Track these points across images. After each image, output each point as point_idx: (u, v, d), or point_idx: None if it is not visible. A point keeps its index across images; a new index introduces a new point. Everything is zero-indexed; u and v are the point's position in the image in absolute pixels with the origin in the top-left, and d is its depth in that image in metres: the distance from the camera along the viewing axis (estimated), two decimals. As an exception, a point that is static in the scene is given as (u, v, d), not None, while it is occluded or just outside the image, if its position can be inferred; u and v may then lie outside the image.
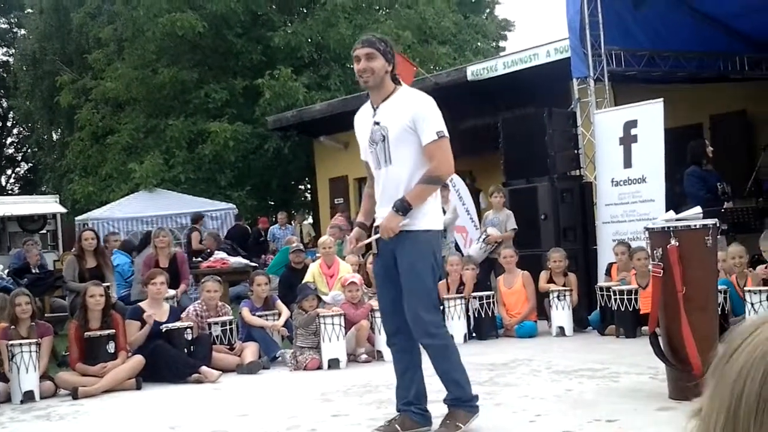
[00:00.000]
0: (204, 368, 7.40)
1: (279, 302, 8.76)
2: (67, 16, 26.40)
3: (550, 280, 9.07)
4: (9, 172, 40.59)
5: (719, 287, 6.58)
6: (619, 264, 8.97)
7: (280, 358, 8.11)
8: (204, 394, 6.81)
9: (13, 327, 7.13)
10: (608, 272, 9.17)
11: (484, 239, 10.00)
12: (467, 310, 8.86)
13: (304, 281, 9.02)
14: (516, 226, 9.91)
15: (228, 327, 8.20)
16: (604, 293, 8.60)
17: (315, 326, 7.80)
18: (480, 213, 12.64)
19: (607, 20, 10.26)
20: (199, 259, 12.62)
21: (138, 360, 7.35)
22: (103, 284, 7.99)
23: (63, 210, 20.40)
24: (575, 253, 9.78)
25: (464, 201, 12.49)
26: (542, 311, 9.07)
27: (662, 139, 9.35)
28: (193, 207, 17.25)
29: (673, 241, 5.24)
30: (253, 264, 12.24)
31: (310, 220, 22.20)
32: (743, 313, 7.45)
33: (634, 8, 10.71)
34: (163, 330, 7.63)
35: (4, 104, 37.95)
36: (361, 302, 8.19)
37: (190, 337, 7.71)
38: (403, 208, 4.57)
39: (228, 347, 8.08)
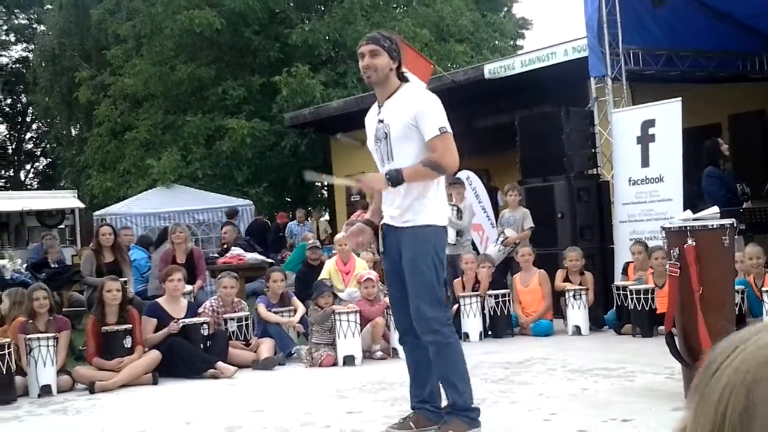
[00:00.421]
0: (220, 364, 7.44)
1: (294, 298, 8.78)
2: (86, 13, 26.55)
3: (567, 279, 9.05)
4: (28, 167, 40.92)
5: (736, 287, 6.55)
6: (636, 263, 8.93)
7: (295, 354, 8.13)
8: (219, 390, 6.84)
9: (31, 321, 7.18)
10: (625, 271, 9.14)
11: (502, 241, 9.98)
12: (483, 308, 8.86)
13: (320, 278, 9.03)
14: (533, 225, 9.88)
15: (244, 323, 8.22)
16: (621, 292, 8.57)
17: (330, 323, 7.82)
18: (497, 211, 12.64)
19: (625, 19, 10.23)
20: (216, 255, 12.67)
21: (154, 355, 7.38)
22: (121, 279, 8.04)
23: (81, 205, 20.52)
24: (592, 252, 9.76)
25: (480, 199, 12.49)
26: (558, 310, 9.05)
27: (680, 139, 9.32)
28: (211, 203, 17.30)
29: (690, 241, 5.22)
30: (270, 260, 12.26)
31: (327, 217, 22.23)
32: (761, 314, 7.42)
33: (652, 7, 10.68)
34: (180, 325, 7.67)
35: (24, 100, 38.22)
36: (376, 299, 8.20)
37: (206, 333, 7.75)
38: (395, 178, 4.50)
39: (244, 343, 8.11)
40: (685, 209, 7.05)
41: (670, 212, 8.76)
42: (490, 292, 8.92)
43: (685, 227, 5.34)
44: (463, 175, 12.55)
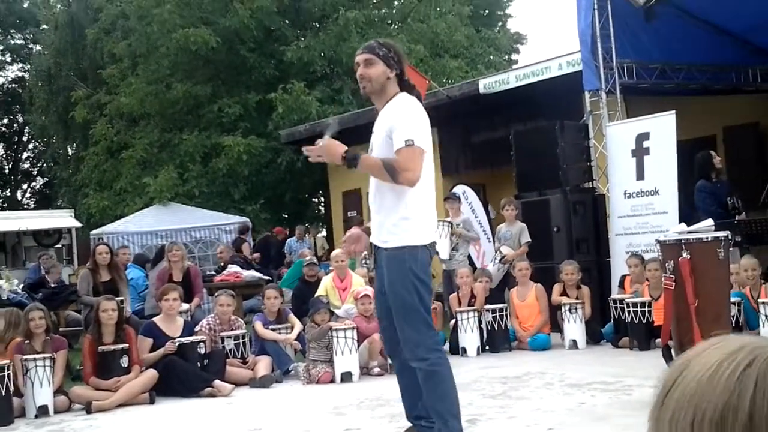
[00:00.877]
0: (217, 382, 7.42)
1: (291, 315, 8.77)
2: (82, 32, 26.60)
3: (563, 293, 9.06)
4: (25, 186, 40.86)
5: (733, 300, 6.56)
6: (633, 276, 8.94)
7: (292, 371, 8.12)
8: (217, 408, 6.82)
9: (27, 342, 7.17)
10: (621, 284, 9.15)
11: (500, 260, 9.98)
12: (480, 323, 8.86)
13: (316, 294, 9.03)
14: (530, 239, 9.87)
15: (241, 341, 8.21)
16: (618, 305, 8.58)
17: (327, 340, 7.81)
18: (490, 224, 12.65)
19: (619, 33, 10.27)
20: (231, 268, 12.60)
21: (151, 374, 7.37)
22: (117, 298, 8.02)
23: (78, 224, 20.49)
24: (588, 265, 9.77)
25: (477, 213, 12.51)
26: (555, 324, 9.05)
27: (675, 152, 9.34)
28: (207, 221, 17.29)
29: (684, 254, 5.24)
30: (267, 278, 12.26)
31: (324, 233, 22.22)
32: (758, 326, 7.42)
33: (645, 20, 10.71)
34: (177, 345, 7.65)
35: (20, 120, 38.20)
36: (373, 315, 8.18)
37: (203, 351, 7.73)
38: (351, 160, 4.34)
39: (241, 361, 8.09)
40: (680, 222, 7.06)
41: (666, 225, 8.77)
42: (487, 306, 8.91)
43: (680, 240, 5.35)
44: (459, 189, 12.58)
